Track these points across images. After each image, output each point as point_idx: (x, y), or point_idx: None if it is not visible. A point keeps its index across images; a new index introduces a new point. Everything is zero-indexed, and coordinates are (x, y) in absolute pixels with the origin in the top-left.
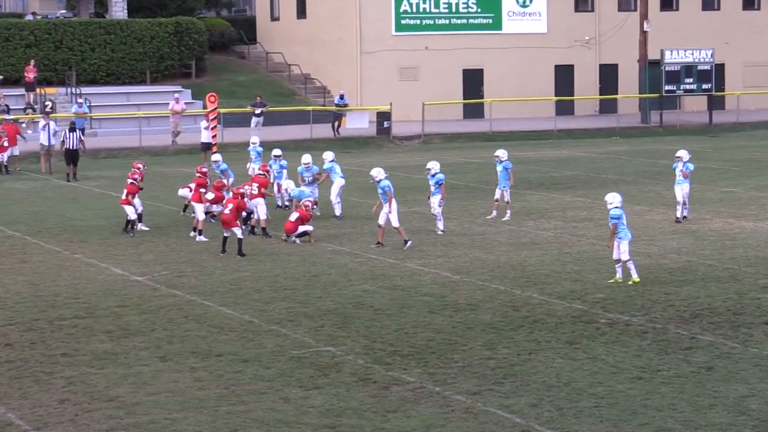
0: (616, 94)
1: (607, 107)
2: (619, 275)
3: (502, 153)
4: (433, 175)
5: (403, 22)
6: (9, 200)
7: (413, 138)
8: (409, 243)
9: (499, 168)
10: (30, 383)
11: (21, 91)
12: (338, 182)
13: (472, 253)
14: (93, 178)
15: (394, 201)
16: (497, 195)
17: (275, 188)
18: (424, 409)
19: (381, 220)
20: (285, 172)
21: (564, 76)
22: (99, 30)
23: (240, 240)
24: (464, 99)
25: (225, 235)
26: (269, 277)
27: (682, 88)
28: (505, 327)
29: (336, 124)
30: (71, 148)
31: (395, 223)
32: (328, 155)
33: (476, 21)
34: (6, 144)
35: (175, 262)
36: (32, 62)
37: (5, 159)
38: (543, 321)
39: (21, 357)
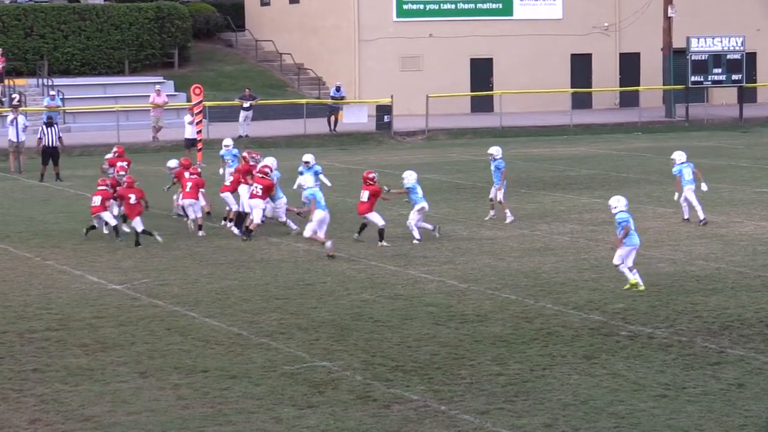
0: (638, 85)
1: (628, 100)
2: (635, 278)
3: (495, 150)
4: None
5: (405, 7)
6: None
7: (416, 134)
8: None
9: (492, 166)
10: None
11: None
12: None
13: (480, 259)
14: (67, 178)
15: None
16: (492, 194)
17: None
18: (429, 429)
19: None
20: (322, 177)
21: (581, 66)
22: (73, 16)
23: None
24: (472, 91)
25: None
26: (259, 286)
27: (709, 79)
28: (516, 340)
29: (332, 118)
30: (50, 145)
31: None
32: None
33: (485, 6)
34: None
35: (156, 270)
36: (0, 51)
37: None
38: (558, 333)
39: None
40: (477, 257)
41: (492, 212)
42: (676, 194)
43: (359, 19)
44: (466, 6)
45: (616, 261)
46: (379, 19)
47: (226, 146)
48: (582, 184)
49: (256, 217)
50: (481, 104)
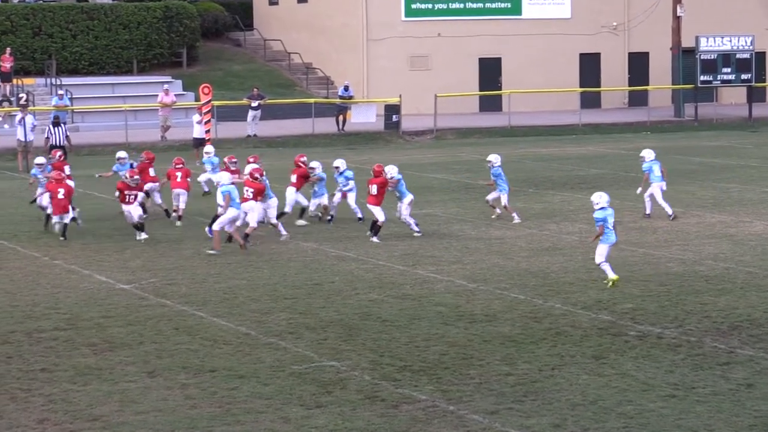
0: (647, 85)
1: (637, 99)
2: (616, 275)
3: (494, 158)
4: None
5: (413, 6)
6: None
7: (425, 133)
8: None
9: (491, 173)
10: (6, 401)
11: None
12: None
13: (489, 259)
14: (75, 177)
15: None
16: (491, 197)
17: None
18: (437, 429)
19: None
20: (352, 183)
21: (590, 66)
22: (81, 15)
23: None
24: (480, 91)
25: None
26: (267, 286)
27: (719, 78)
28: (525, 340)
29: (340, 118)
30: (57, 144)
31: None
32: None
33: (493, 5)
34: None
35: (164, 269)
36: (8, 50)
37: None
38: (567, 333)
39: None
40: (486, 257)
41: (497, 210)
42: (639, 189)
43: (368, 19)
44: (474, 5)
45: (597, 260)
46: (387, 19)
47: (207, 153)
48: (591, 183)
49: (252, 221)
50: (490, 104)
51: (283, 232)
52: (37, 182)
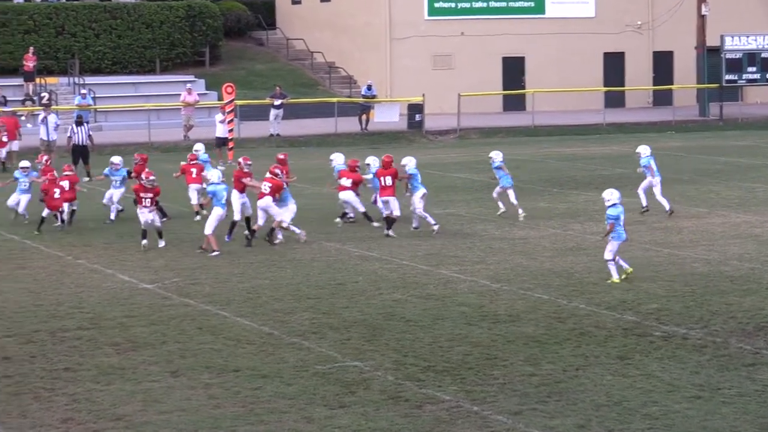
0: (672, 84)
1: (662, 99)
2: (615, 276)
3: (495, 155)
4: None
5: (436, 5)
6: (6, 200)
7: (448, 133)
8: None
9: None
10: (30, 400)
11: (19, 81)
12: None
13: (512, 259)
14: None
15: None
16: (497, 192)
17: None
18: (461, 430)
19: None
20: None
21: (614, 65)
22: (104, 14)
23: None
24: (504, 90)
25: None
26: (291, 285)
27: (744, 77)
28: (549, 340)
29: (363, 117)
30: (79, 143)
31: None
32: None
33: (517, 4)
34: (5, 139)
35: (187, 269)
36: (31, 50)
37: (3, 155)
38: (591, 334)
39: (20, 372)
40: (509, 257)
41: (502, 207)
42: (655, 184)
43: (391, 18)
44: (497, 4)
45: (607, 256)
46: (410, 18)
47: (196, 151)
48: (615, 183)
49: (260, 218)
50: (514, 103)
51: (298, 232)
52: (16, 184)
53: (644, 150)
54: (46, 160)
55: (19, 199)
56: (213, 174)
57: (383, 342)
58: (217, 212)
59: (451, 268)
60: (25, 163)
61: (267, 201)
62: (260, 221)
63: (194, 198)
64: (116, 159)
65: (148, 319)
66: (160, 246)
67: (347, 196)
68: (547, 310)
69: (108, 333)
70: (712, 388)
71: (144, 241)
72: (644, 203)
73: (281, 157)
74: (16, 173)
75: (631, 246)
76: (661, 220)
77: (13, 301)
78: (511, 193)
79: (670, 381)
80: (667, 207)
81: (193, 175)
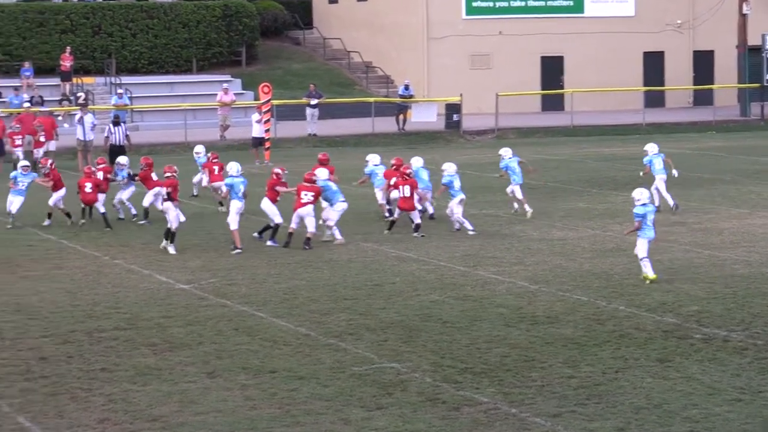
0: (712, 83)
1: (702, 98)
2: (649, 272)
3: (504, 152)
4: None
5: (474, 4)
6: (43, 200)
7: (486, 133)
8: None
9: (506, 164)
10: (67, 401)
11: (56, 80)
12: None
13: (551, 260)
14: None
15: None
16: (510, 188)
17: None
18: None
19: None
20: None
21: (653, 64)
22: (141, 14)
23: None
24: (542, 89)
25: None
26: (327, 286)
27: None
28: (588, 342)
29: (401, 117)
30: (116, 143)
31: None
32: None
33: (556, 3)
34: (42, 139)
35: (224, 269)
36: (68, 49)
37: (41, 155)
38: (631, 336)
39: (57, 372)
40: (548, 258)
41: (515, 205)
42: (642, 173)
43: (428, 17)
44: (536, 3)
45: (640, 254)
46: (448, 17)
47: (197, 153)
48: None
49: (310, 226)
50: (552, 103)
51: (338, 237)
52: (13, 185)
53: (651, 148)
54: (51, 164)
55: (13, 200)
56: (232, 166)
57: (420, 343)
58: (236, 205)
59: (489, 269)
60: (24, 163)
61: (308, 209)
62: (294, 225)
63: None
64: (122, 159)
65: (185, 320)
66: (169, 251)
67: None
68: (586, 312)
69: (145, 333)
70: (753, 391)
71: (171, 246)
72: (671, 202)
73: (322, 156)
74: (14, 173)
75: (671, 247)
76: (701, 221)
77: (50, 301)
78: (518, 190)
79: (710, 384)
80: (672, 203)
81: (216, 173)
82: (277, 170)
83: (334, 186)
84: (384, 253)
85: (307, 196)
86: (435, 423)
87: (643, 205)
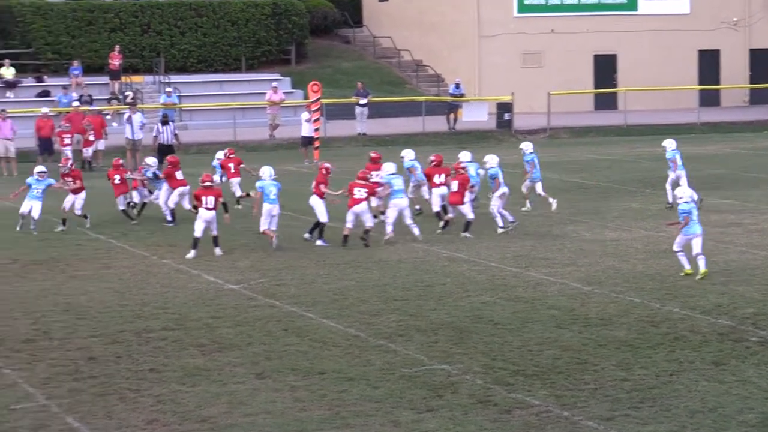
0: None
1: (759, 97)
2: (689, 267)
3: (525, 146)
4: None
5: (526, 2)
6: (91, 200)
7: (537, 132)
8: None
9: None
10: (115, 401)
11: (105, 79)
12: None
13: (604, 261)
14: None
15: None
16: (526, 187)
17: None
18: None
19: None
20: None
21: (709, 63)
22: (190, 12)
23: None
24: (595, 88)
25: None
26: (377, 287)
27: None
28: (642, 345)
29: (451, 116)
30: (165, 143)
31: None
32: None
33: (609, 1)
34: (92, 138)
35: (273, 269)
36: (117, 48)
37: (89, 154)
38: (685, 338)
39: (105, 372)
40: (600, 259)
41: (528, 204)
42: (669, 172)
43: (480, 15)
44: (589, 1)
45: (675, 248)
46: (499, 15)
47: (149, 166)
48: (709, 184)
49: (368, 221)
50: (605, 102)
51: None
52: (27, 191)
53: (670, 144)
54: (71, 164)
55: (32, 206)
56: (264, 170)
57: (471, 345)
58: (266, 208)
59: (541, 270)
60: (41, 168)
61: (363, 206)
62: (349, 224)
63: (238, 191)
64: (150, 160)
65: (234, 320)
66: (217, 254)
67: (443, 191)
68: (640, 314)
69: (193, 334)
70: None
71: (192, 253)
72: (670, 200)
73: (374, 155)
74: (30, 179)
75: (727, 249)
76: (758, 222)
77: (99, 301)
78: (539, 186)
79: (767, 387)
80: (696, 197)
81: (232, 170)
82: (326, 165)
83: (398, 181)
84: (435, 254)
85: (360, 192)
86: (486, 426)
87: (686, 202)
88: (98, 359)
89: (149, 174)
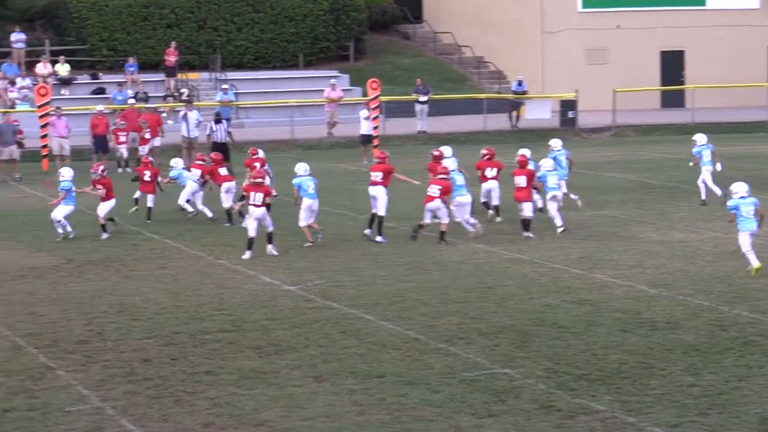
0: None
1: None
2: (753, 261)
3: (554, 143)
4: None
5: None
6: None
7: (602, 130)
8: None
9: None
10: (171, 404)
11: (161, 76)
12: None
13: (671, 263)
14: (240, 175)
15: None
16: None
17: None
18: None
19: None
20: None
21: None
22: (246, 8)
23: None
24: (662, 86)
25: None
26: (437, 289)
27: None
28: (710, 349)
29: (514, 114)
30: (219, 141)
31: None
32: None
33: None
34: (148, 136)
35: (330, 270)
36: (173, 44)
37: (145, 151)
38: (755, 343)
39: (161, 374)
40: (667, 261)
41: (573, 196)
42: (691, 163)
43: (543, 10)
44: None
45: (743, 249)
46: (563, 10)
47: (173, 167)
48: None
49: (443, 218)
50: (672, 99)
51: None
52: (66, 194)
53: (700, 138)
54: (102, 170)
55: (64, 209)
56: (300, 167)
57: (534, 348)
58: (306, 203)
59: (606, 272)
60: (66, 171)
61: (437, 203)
62: (427, 220)
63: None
64: (173, 162)
65: (291, 322)
66: (270, 253)
67: (492, 185)
68: (708, 318)
69: (250, 336)
70: None
71: (248, 254)
72: (718, 193)
73: (436, 153)
74: (65, 184)
75: None
76: None
77: (154, 301)
78: (563, 184)
79: None
80: (719, 193)
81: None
82: (379, 154)
83: (459, 178)
84: (496, 255)
85: (433, 189)
86: (549, 431)
87: (741, 197)
88: (153, 361)
89: (174, 174)
